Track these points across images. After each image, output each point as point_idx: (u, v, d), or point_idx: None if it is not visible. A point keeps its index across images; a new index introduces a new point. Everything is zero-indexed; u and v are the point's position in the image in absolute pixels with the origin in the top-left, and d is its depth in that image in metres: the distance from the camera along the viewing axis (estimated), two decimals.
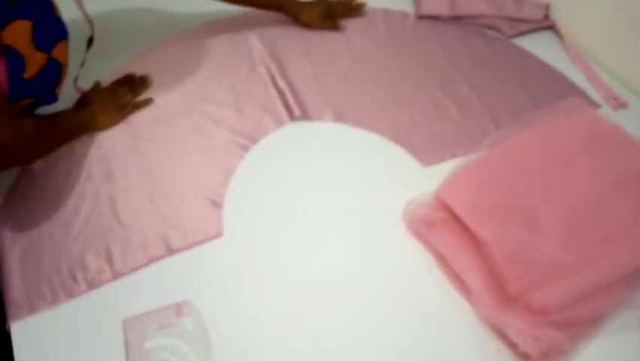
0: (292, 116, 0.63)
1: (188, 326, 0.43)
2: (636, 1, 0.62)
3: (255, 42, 0.72)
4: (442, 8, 0.75)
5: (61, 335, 0.45)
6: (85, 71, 0.64)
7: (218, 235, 0.52)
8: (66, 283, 0.49)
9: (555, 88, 0.65)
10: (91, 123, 0.59)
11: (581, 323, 0.43)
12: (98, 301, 0.46)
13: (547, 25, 0.73)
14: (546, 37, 0.73)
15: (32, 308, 0.47)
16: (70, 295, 0.48)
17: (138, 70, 0.68)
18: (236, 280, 0.48)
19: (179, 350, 0.42)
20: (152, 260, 0.50)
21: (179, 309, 0.44)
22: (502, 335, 0.43)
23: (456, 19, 0.75)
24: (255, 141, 0.61)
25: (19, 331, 0.46)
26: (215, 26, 0.75)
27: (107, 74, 0.68)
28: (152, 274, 0.48)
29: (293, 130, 0.62)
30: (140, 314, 0.44)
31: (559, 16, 0.73)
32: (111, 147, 0.60)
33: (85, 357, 0.43)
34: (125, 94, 0.62)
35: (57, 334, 0.45)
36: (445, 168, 0.52)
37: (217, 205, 0.54)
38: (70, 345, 0.44)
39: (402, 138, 0.60)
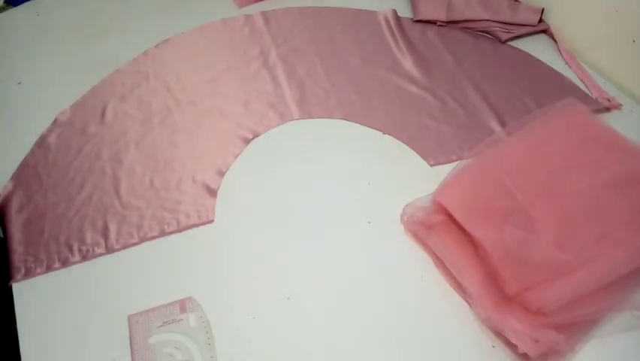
0: (299, 114, 0.64)
1: (191, 321, 0.44)
2: (630, 5, 0.62)
3: (267, 41, 0.74)
4: (438, 13, 0.76)
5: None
6: (104, 61, 0.68)
7: (210, 221, 0.53)
8: (62, 251, 0.51)
9: (560, 91, 0.65)
10: None
11: (579, 324, 0.43)
12: (105, 297, 0.47)
13: (541, 29, 0.74)
14: (540, 40, 0.73)
15: (28, 273, 0.50)
16: (65, 263, 0.50)
17: (154, 58, 0.71)
18: (238, 277, 0.48)
19: (183, 345, 0.43)
20: (144, 240, 0.52)
21: (182, 305, 0.45)
22: (497, 331, 0.43)
23: (451, 23, 0.75)
24: (256, 134, 0.62)
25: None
26: (230, 23, 0.77)
27: (126, 60, 0.71)
28: (157, 271, 0.49)
29: (298, 126, 0.62)
30: (145, 310, 0.45)
31: (553, 19, 0.74)
32: (122, 129, 0.63)
33: (91, 352, 0.44)
34: None
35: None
36: (451, 169, 0.52)
37: (212, 193, 0.56)
38: (77, 340, 0.45)
39: (410, 139, 0.60)
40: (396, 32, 0.74)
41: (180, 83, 0.68)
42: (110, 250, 0.51)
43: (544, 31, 0.75)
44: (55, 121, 0.64)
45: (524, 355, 0.42)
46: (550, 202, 0.48)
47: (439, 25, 0.76)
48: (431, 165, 0.58)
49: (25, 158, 0.60)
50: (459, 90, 0.66)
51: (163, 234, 0.52)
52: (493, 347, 0.44)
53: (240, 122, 0.63)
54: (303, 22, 0.77)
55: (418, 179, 0.55)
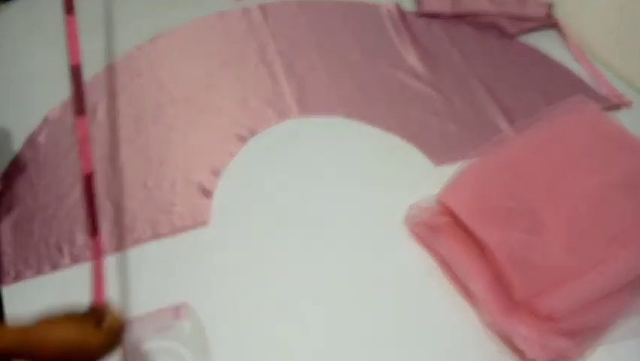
0: (298, 111, 0.62)
1: (186, 328, 0.43)
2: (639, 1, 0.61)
3: (265, 35, 0.72)
4: (443, 6, 0.74)
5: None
6: (95, 57, 0.66)
7: (204, 223, 0.52)
8: (52, 254, 0.49)
9: (569, 89, 0.63)
10: None
11: (588, 330, 0.42)
12: None
13: (549, 23, 0.72)
14: (549, 35, 0.72)
15: (18, 276, 0.48)
16: (55, 266, 0.49)
17: (149, 53, 0.69)
18: (234, 283, 0.47)
19: (176, 353, 0.42)
20: (137, 242, 0.50)
21: (176, 312, 0.44)
22: (504, 336, 0.43)
23: (457, 16, 0.74)
24: (254, 133, 0.60)
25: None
26: (227, 17, 0.75)
27: (118, 56, 0.69)
28: (150, 276, 0.48)
29: (297, 124, 0.61)
30: (138, 317, 0.44)
31: (562, 14, 0.72)
32: (114, 127, 0.61)
33: None
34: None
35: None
36: (457, 169, 0.51)
37: (207, 194, 0.54)
38: None
39: (414, 137, 0.59)
40: (399, 26, 0.72)
41: (174, 79, 0.66)
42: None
43: (552, 26, 0.73)
44: (45, 119, 0.62)
45: None
46: (559, 203, 0.47)
47: (444, 19, 0.74)
48: (436, 165, 0.56)
49: (15, 157, 0.58)
50: (465, 87, 0.64)
51: (156, 236, 0.51)
52: (500, 352, 0.43)
53: (237, 120, 0.61)
54: (303, 15, 0.75)
55: (423, 179, 0.54)
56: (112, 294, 0.46)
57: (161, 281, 0.47)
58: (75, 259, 0.49)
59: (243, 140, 0.59)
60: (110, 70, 0.68)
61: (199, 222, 0.51)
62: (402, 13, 0.74)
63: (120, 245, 0.50)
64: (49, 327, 0.34)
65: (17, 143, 0.60)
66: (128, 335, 0.42)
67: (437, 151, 0.57)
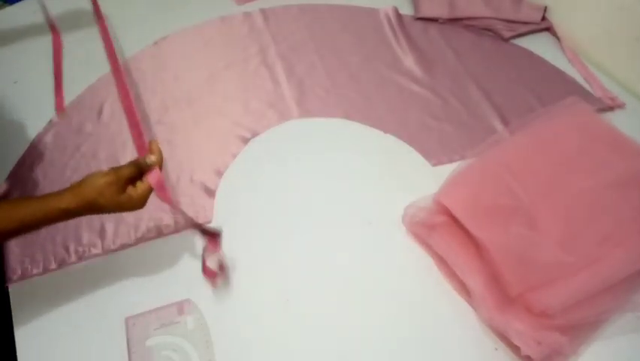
0: (298, 113, 0.63)
1: (189, 324, 0.44)
2: (634, 3, 0.62)
3: (266, 39, 0.73)
4: (440, 10, 0.75)
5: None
6: (99, 57, 0.67)
7: (207, 221, 0.53)
8: (58, 252, 0.50)
9: (563, 90, 0.64)
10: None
11: (582, 326, 0.43)
12: (102, 299, 0.47)
13: (544, 26, 0.74)
14: (543, 38, 0.73)
15: (25, 274, 0.49)
16: (61, 264, 0.50)
17: (153, 56, 0.70)
18: (236, 279, 0.48)
19: (180, 348, 0.43)
20: (141, 241, 0.51)
21: (180, 308, 0.45)
22: (500, 332, 0.43)
23: (454, 20, 0.75)
24: (255, 133, 0.61)
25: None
26: (229, 21, 0.77)
27: (122, 60, 0.70)
28: (154, 273, 0.49)
29: (297, 126, 0.62)
30: (143, 312, 0.45)
31: (556, 17, 0.74)
32: (118, 128, 0.62)
33: (88, 354, 0.44)
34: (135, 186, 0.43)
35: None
36: (453, 169, 0.52)
37: (210, 193, 0.55)
38: (73, 343, 0.44)
39: (411, 138, 0.60)
40: (397, 30, 0.74)
41: (178, 82, 0.67)
42: (106, 250, 0.50)
43: (547, 29, 0.74)
44: (51, 120, 0.63)
45: (527, 357, 0.42)
46: (554, 202, 0.48)
47: (441, 23, 0.75)
48: (433, 165, 0.57)
49: (21, 157, 0.59)
50: (461, 89, 0.66)
51: (160, 235, 0.52)
52: (496, 349, 0.44)
53: (239, 121, 0.63)
54: (303, 19, 0.76)
55: (420, 179, 0.55)
56: (116, 291, 0.48)
57: (166, 278, 0.48)
58: (81, 257, 0.50)
59: (244, 140, 0.61)
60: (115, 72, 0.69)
61: (202, 220, 0.52)
62: (400, 18, 0.76)
63: (125, 243, 0.51)
64: (85, 181, 0.43)
65: (24, 143, 0.61)
66: (132, 330, 0.43)
67: (434, 152, 0.59)
